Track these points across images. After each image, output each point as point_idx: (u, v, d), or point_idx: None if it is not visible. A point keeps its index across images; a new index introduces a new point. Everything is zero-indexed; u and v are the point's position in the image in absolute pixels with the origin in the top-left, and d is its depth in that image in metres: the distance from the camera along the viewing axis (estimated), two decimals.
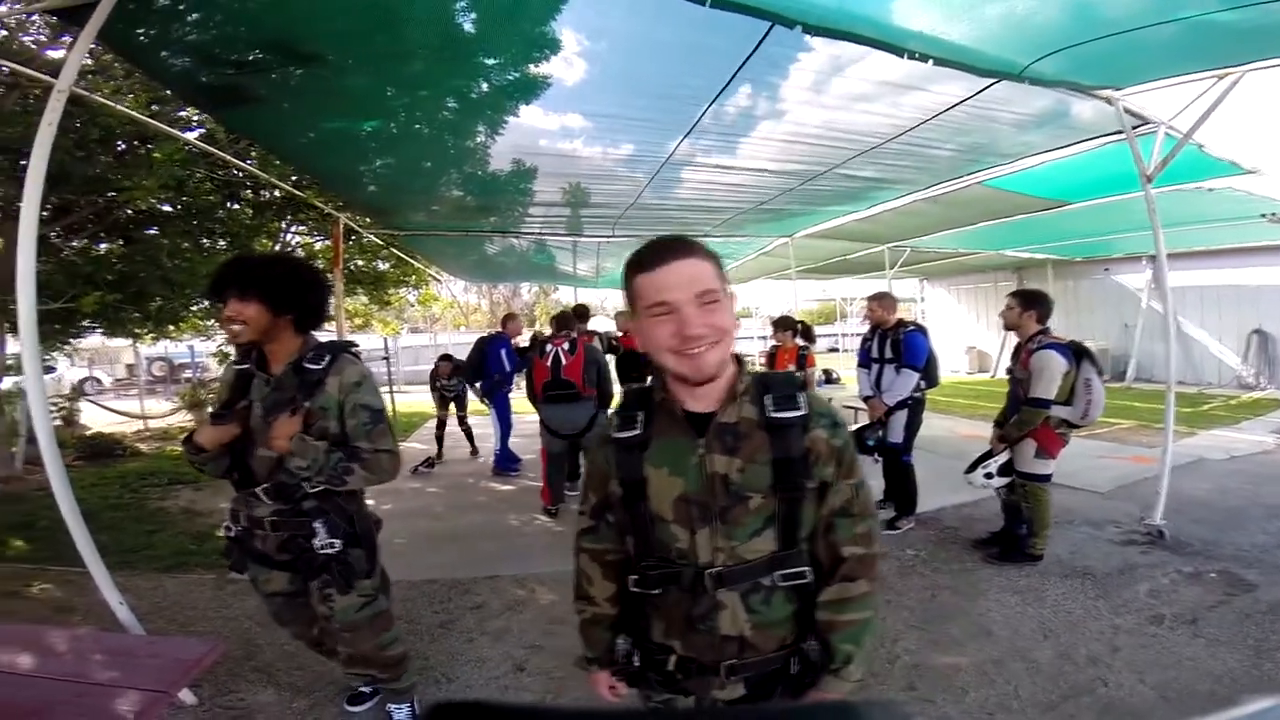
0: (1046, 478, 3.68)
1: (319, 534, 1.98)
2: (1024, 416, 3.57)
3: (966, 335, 15.31)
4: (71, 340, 7.94)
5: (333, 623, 2.09)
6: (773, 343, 5.74)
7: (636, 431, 1.15)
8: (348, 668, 2.27)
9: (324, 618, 2.10)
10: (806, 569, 1.15)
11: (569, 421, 4.66)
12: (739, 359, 1.15)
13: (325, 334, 2.32)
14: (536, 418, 4.85)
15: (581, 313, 6.02)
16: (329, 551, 1.98)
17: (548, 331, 5.29)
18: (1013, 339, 3.89)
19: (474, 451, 7.34)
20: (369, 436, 1.94)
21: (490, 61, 3.18)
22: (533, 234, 7.59)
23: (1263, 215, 6.96)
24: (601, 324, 11.56)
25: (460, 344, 6.80)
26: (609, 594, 1.28)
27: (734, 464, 1.09)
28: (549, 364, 4.62)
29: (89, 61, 4.94)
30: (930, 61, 2.95)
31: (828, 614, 1.16)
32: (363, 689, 2.47)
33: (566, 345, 4.68)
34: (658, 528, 1.14)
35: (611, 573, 1.27)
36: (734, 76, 3.20)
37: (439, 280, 12.69)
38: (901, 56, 2.90)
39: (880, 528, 1.21)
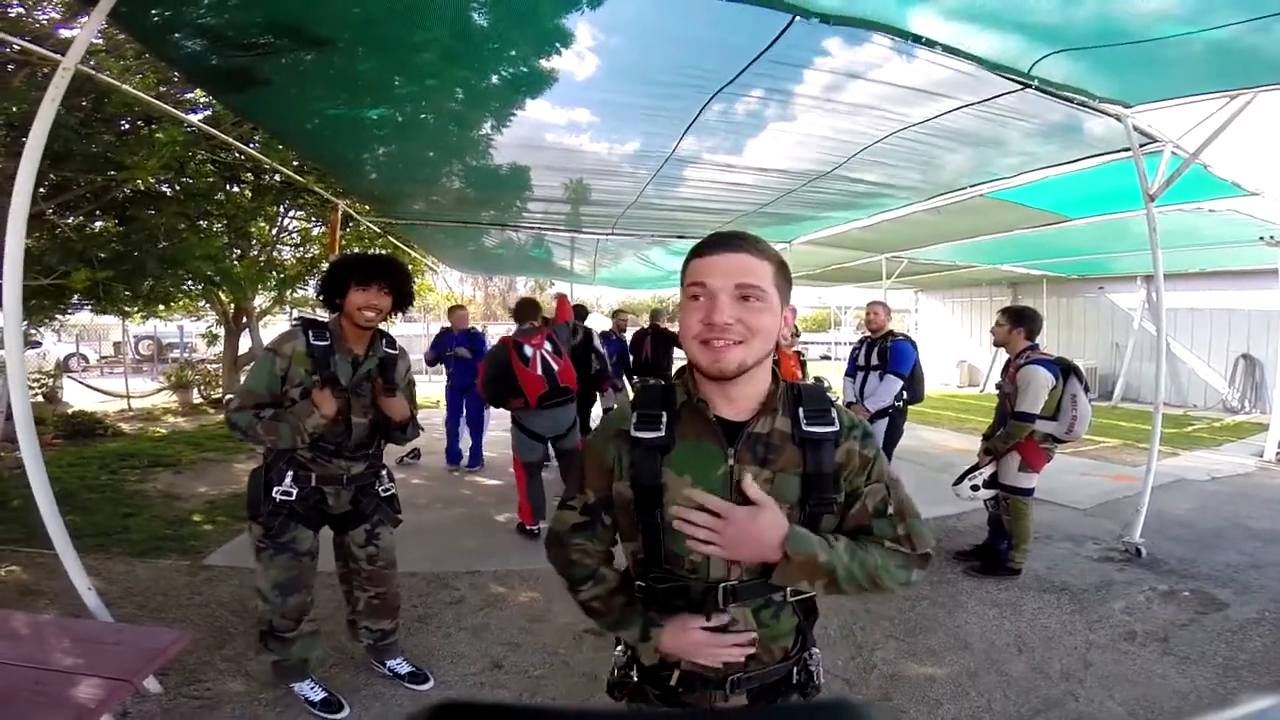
0: (1029, 491, 3.71)
1: (383, 480, 2.54)
2: (1010, 430, 3.59)
3: (958, 349, 15.30)
4: (60, 316, 7.87)
5: (377, 562, 2.52)
6: None
7: (660, 433, 1.06)
8: (369, 618, 2.58)
9: (368, 559, 2.50)
10: None
11: (558, 425, 4.20)
12: (775, 373, 1.10)
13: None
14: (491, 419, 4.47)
15: (581, 312, 5.42)
16: (389, 494, 2.55)
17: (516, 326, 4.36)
18: (1003, 355, 3.91)
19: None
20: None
21: (502, 55, 3.16)
22: (532, 228, 7.55)
23: (1261, 238, 6.98)
24: (597, 321, 11.53)
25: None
26: (615, 569, 1.19)
27: (763, 475, 1.04)
28: (540, 372, 3.97)
29: (99, 41, 4.89)
30: (939, 49, 2.92)
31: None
32: (372, 644, 2.64)
33: (549, 345, 4.07)
34: (671, 539, 1.06)
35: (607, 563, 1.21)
36: (746, 68, 3.10)
37: (434, 270, 12.60)
38: (907, 41, 2.87)
39: (924, 527, 1.10)
